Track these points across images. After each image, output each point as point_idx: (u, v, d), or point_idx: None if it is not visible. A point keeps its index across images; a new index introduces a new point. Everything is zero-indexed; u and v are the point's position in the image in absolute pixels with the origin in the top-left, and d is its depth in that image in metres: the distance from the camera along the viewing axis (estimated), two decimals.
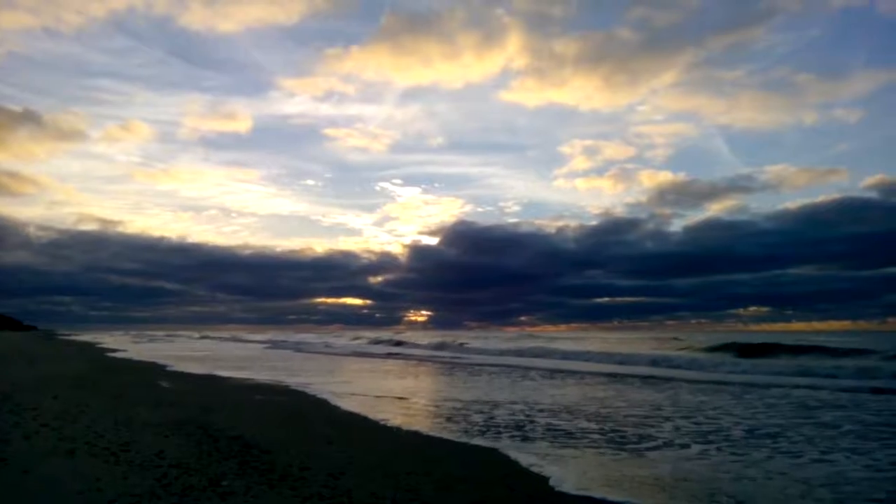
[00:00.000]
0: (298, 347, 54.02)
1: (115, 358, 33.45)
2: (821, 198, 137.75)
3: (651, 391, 17.27)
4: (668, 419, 11.80)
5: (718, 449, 8.99)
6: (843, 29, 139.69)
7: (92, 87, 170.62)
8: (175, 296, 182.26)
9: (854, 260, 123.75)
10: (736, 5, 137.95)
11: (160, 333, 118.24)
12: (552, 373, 24.75)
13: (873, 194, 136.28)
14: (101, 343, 59.77)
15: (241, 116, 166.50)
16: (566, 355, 36.83)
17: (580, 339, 62.31)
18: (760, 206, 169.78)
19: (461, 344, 52.14)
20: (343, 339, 76.81)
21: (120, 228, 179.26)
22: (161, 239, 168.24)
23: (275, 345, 59.60)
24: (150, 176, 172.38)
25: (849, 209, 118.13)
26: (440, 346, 51.43)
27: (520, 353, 41.24)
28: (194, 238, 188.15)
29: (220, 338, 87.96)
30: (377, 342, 66.11)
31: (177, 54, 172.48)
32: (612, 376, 22.84)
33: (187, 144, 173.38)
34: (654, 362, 29.78)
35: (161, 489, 6.03)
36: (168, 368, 25.22)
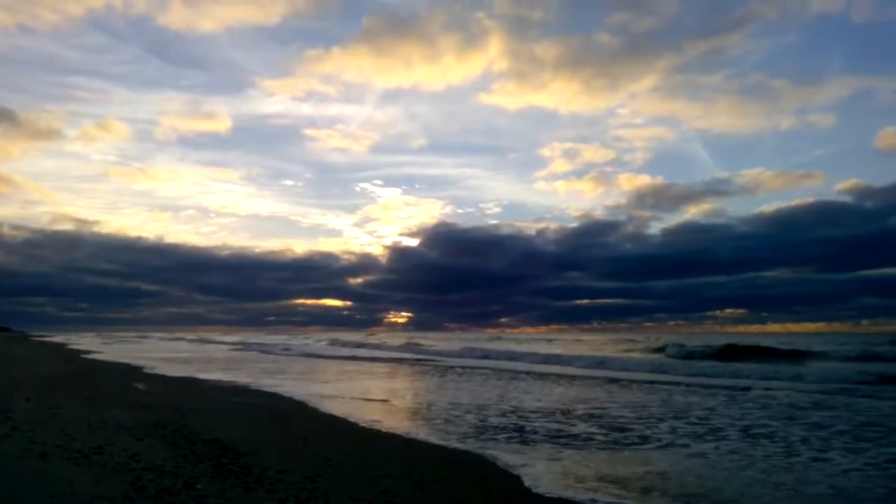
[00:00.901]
0: (264, 349, 53.71)
1: (89, 360, 32.97)
2: (796, 201, 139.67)
3: (571, 388, 17.41)
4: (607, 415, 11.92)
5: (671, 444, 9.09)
6: (818, 36, 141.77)
7: (68, 86, 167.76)
8: (152, 297, 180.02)
9: (828, 263, 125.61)
10: (713, 12, 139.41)
11: (132, 335, 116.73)
12: (498, 372, 24.94)
13: (847, 198, 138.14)
14: (75, 345, 58.88)
15: (220, 116, 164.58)
16: (513, 356, 37.48)
17: (546, 342, 63.96)
18: (737, 209, 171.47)
19: (417, 344, 53.85)
20: (310, 340, 78.88)
21: (96, 228, 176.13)
22: (138, 239, 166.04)
23: (246, 347, 58.95)
24: (126, 175, 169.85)
25: (823, 213, 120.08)
26: (403, 348, 52.51)
27: (474, 353, 41.81)
28: (172, 238, 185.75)
29: (187, 339, 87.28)
30: (335, 343, 68.32)
31: (155, 52, 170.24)
32: (561, 376, 23.37)
33: (165, 144, 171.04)
34: (600, 363, 30.33)
35: (134, 492, 5.95)
36: (144, 370, 24.91)
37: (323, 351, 49.92)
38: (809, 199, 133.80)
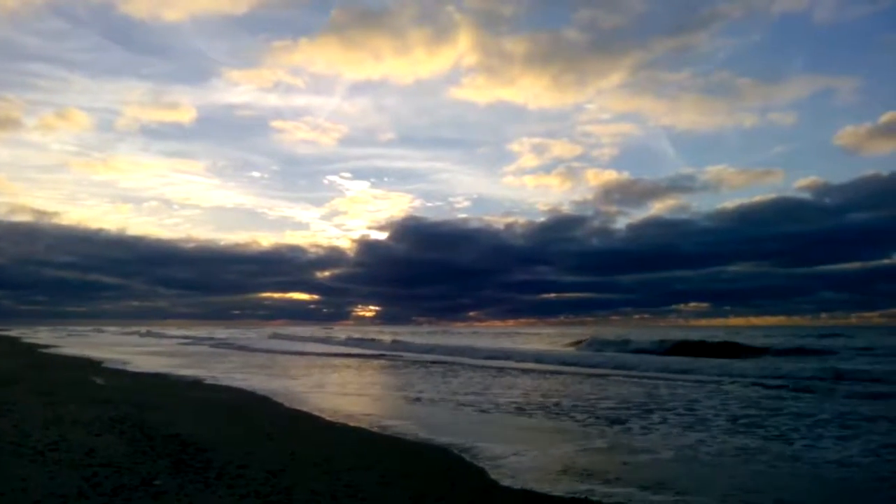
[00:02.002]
0: (215, 343, 53.70)
1: (46, 354, 32.17)
2: (757, 198, 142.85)
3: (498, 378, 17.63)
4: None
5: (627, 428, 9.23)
6: (781, 35, 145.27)
7: (26, 73, 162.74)
8: (113, 290, 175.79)
9: (789, 258, 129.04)
10: (680, 10, 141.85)
11: (87, 329, 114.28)
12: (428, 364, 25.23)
13: (806, 195, 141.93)
14: (32, 338, 57.41)
15: (185, 106, 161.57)
16: (452, 351, 37.68)
17: (498, 335, 66.24)
18: (700, 205, 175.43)
19: (372, 340, 53.97)
20: (255, 334, 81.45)
21: (55, 220, 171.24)
22: (99, 231, 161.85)
23: (196, 341, 58.23)
24: (87, 166, 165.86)
25: (784, 209, 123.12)
26: (348, 342, 53.36)
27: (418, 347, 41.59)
28: (134, 230, 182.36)
29: (139, 333, 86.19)
30: (276, 336, 70.31)
31: (116, 39, 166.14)
32: (500, 370, 23.76)
33: (127, 134, 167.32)
34: (539, 359, 30.54)
35: (90, 489, 5.81)
36: (103, 365, 24.40)
37: (258, 344, 49.71)
38: (770, 196, 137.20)
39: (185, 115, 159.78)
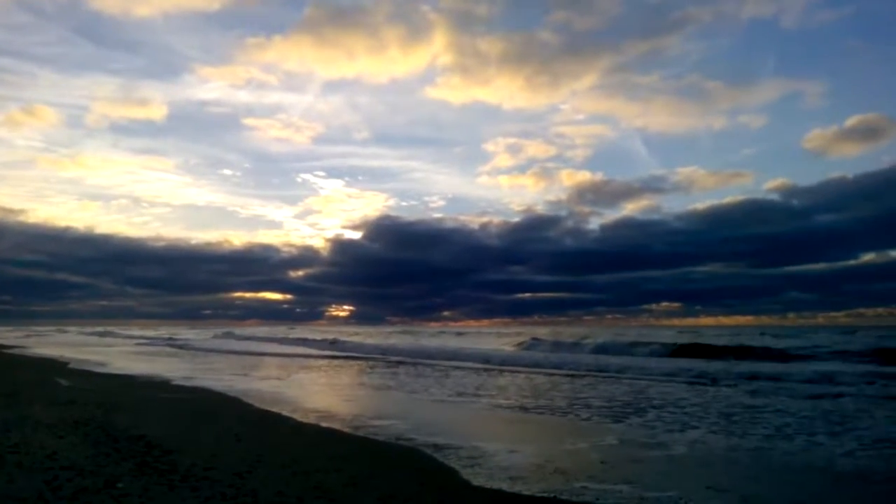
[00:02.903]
0: (164, 343, 54.07)
1: (9, 354, 31.47)
2: (727, 199, 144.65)
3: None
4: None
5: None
6: (750, 39, 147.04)
7: None
8: (81, 290, 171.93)
9: (758, 258, 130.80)
10: (651, 14, 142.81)
11: (49, 329, 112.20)
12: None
13: (775, 196, 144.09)
14: None
15: (155, 103, 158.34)
16: (386, 350, 38.29)
17: (458, 335, 67.43)
18: (672, 206, 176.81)
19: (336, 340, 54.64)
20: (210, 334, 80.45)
21: (21, 217, 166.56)
22: (66, 229, 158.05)
23: (152, 342, 57.73)
24: (54, 163, 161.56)
25: (753, 210, 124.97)
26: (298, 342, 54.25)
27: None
28: (102, 229, 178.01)
29: (96, 333, 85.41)
30: (226, 336, 71.61)
31: (84, 34, 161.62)
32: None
33: (96, 130, 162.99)
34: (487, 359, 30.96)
35: (49, 492, 5.68)
36: (69, 366, 23.94)
37: (203, 344, 50.00)
38: (740, 197, 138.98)
39: (156, 111, 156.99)
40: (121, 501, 5.50)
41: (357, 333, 79.51)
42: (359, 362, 29.31)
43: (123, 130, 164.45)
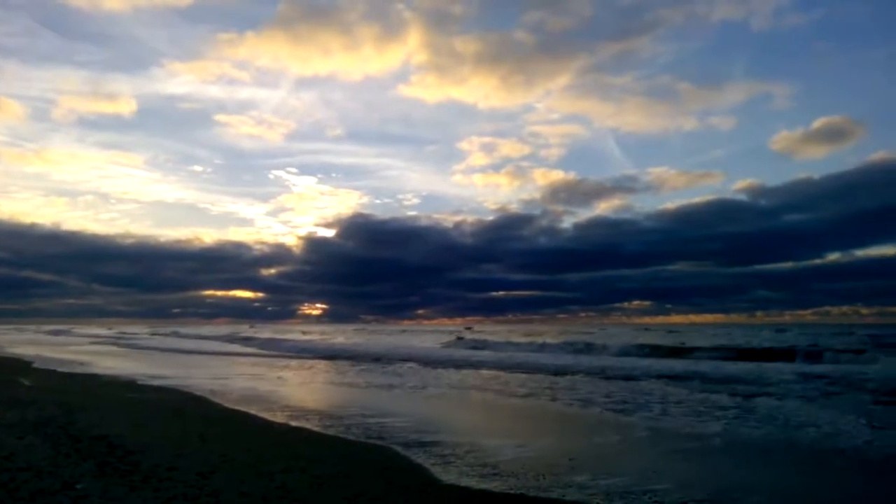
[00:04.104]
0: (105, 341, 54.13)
1: None
2: (697, 199, 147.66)
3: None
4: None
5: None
6: (720, 41, 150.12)
7: None
8: (47, 287, 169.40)
9: (727, 257, 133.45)
10: (624, 15, 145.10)
11: (7, 328, 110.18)
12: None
13: (743, 197, 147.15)
14: None
15: (124, 97, 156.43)
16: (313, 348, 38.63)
17: (406, 333, 67.89)
18: (643, 205, 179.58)
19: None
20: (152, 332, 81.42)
21: None
22: (32, 226, 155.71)
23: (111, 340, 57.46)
24: (19, 157, 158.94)
25: (722, 210, 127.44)
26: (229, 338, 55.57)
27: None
28: (69, 225, 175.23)
29: (52, 331, 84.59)
30: (172, 333, 73.67)
31: (50, 25, 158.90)
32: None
33: (62, 125, 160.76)
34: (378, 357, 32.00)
35: (6, 494, 5.55)
36: (33, 365, 23.44)
37: (145, 342, 50.19)
38: (710, 197, 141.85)
39: (125, 106, 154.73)
40: (79, 503, 5.40)
41: (309, 332, 79.66)
42: (271, 360, 29.62)
43: (91, 125, 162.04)
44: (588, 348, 34.25)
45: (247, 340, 51.98)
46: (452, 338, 47.65)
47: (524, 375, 20.66)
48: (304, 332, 77.94)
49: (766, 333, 53.82)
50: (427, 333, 71.51)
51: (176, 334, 74.43)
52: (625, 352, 32.04)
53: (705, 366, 22.61)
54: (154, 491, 5.84)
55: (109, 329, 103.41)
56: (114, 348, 41.04)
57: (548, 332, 61.91)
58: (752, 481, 6.95)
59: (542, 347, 36.28)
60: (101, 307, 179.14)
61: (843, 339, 39.24)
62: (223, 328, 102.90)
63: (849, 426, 10.41)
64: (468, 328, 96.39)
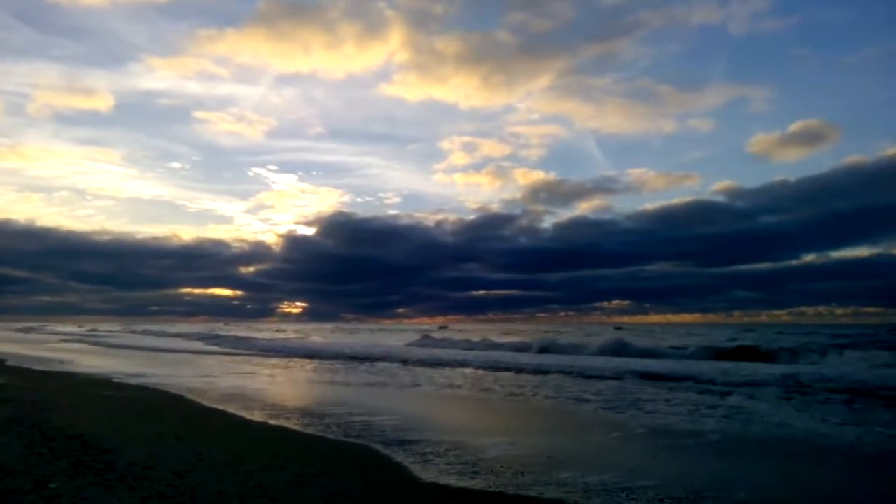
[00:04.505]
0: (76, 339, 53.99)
1: None
2: (676, 200, 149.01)
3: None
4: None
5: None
6: (699, 45, 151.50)
7: None
8: (21, 284, 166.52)
9: (705, 258, 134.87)
10: (605, 18, 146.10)
11: None
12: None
13: (721, 198, 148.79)
14: None
15: (101, 92, 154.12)
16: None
17: (375, 332, 68.41)
18: (623, 206, 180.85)
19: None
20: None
21: None
22: (6, 222, 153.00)
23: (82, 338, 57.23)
24: None
25: (700, 211, 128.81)
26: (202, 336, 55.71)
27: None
28: (44, 221, 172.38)
29: (21, 329, 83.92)
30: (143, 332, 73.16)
31: (25, 19, 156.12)
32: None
33: (37, 120, 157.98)
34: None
35: None
36: (6, 363, 23.04)
37: (118, 340, 50.25)
38: (688, 199, 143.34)
39: (102, 101, 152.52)
40: (52, 502, 5.31)
41: (284, 331, 79.65)
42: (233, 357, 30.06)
43: (67, 120, 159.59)
44: (553, 346, 34.23)
45: (215, 339, 51.80)
46: (419, 337, 47.87)
47: (483, 372, 21.20)
48: (277, 331, 77.84)
49: (730, 332, 54.42)
50: (403, 332, 71.51)
51: (147, 332, 74.01)
52: (580, 350, 32.16)
53: (670, 364, 22.75)
54: (129, 490, 5.76)
55: (80, 327, 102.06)
56: (82, 346, 40.60)
57: (525, 330, 62.20)
58: (731, 477, 7.03)
59: (496, 346, 36.65)
60: (77, 305, 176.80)
61: (812, 338, 39.69)
62: (200, 326, 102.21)
63: (808, 423, 10.60)
64: (443, 327, 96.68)
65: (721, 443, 9.15)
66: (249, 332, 69.13)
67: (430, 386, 16.91)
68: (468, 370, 22.56)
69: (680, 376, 18.63)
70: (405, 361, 26.54)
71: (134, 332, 75.42)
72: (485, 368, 23.06)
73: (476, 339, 43.36)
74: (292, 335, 63.38)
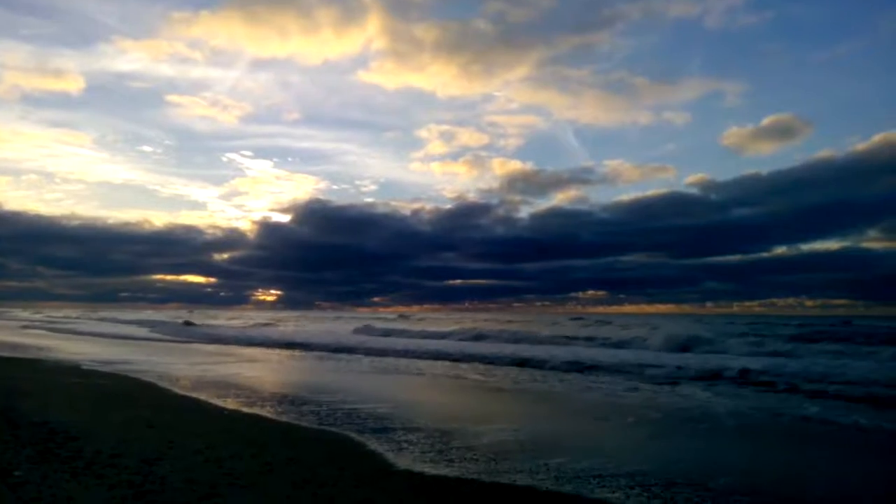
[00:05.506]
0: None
1: None
2: (650, 192, 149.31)
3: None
4: None
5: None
6: (676, 38, 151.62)
7: None
8: None
9: (679, 249, 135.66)
10: (583, 9, 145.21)
11: None
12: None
13: (695, 191, 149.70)
14: None
15: (72, 74, 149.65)
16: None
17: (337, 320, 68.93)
18: (599, 197, 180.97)
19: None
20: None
21: None
22: None
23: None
24: None
25: (674, 203, 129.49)
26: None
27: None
28: (12, 205, 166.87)
29: None
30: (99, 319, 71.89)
31: None
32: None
33: (4, 101, 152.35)
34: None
35: None
36: None
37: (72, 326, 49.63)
38: (663, 190, 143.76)
39: (72, 83, 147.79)
40: (17, 490, 5.21)
41: (239, 318, 79.04)
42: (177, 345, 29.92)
43: (36, 102, 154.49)
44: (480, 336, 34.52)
45: (158, 325, 51.72)
46: (362, 325, 48.90)
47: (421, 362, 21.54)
48: (230, 318, 77.10)
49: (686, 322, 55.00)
50: (368, 320, 71.69)
51: (104, 319, 72.83)
52: (516, 339, 32.37)
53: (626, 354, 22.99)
54: (97, 478, 5.68)
55: (38, 313, 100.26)
56: (39, 332, 39.88)
57: (499, 320, 62.46)
58: (695, 459, 7.14)
59: (448, 335, 36.54)
60: (45, 290, 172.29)
61: (753, 328, 39.83)
62: (164, 314, 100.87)
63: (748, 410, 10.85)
64: (404, 316, 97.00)
65: (686, 427, 9.29)
66: (208, 320, 68.81)
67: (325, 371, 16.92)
68: (390, 359, 22.99)
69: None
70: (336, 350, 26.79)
71: (90, 318, 74.10)
72: (416, 357, 23.51)
73: (417, 328, 44.95)
74: (245, 323, 62.58)
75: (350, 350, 26.57)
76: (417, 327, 47.26)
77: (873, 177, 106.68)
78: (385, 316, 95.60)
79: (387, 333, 39.78)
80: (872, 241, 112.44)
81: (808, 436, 9.38)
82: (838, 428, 9.73)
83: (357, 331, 43.49)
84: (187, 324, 52.63)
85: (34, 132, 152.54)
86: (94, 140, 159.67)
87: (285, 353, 25.91)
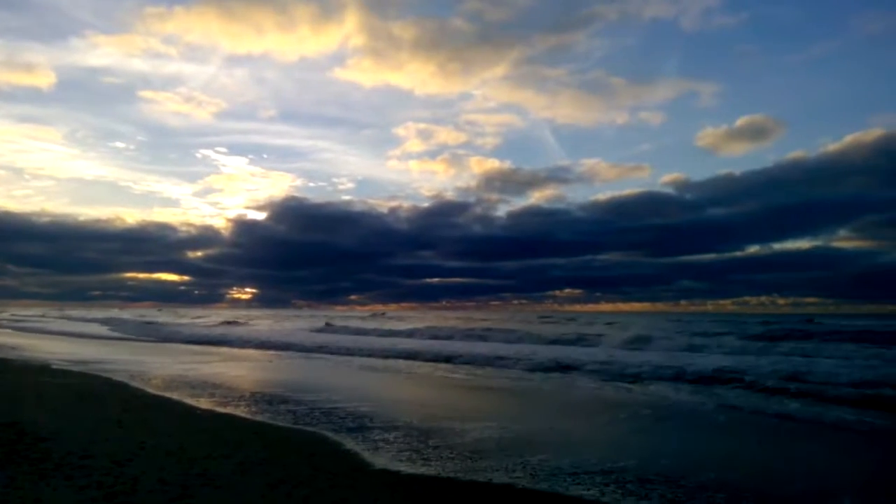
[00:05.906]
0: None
1: None
2: (627, 191, 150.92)
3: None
4: None
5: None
6: (652, 39, 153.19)
7: None
8: None
9: (653, 248, 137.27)
10: (560, 9, 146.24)
11: None
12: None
13: (670, 190, 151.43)
14: None
15: (42, 68, 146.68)
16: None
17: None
18: (576, 196, 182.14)
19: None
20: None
21: None
22: None
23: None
24: None
25: (650, 202, 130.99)
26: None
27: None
28: None
29: None
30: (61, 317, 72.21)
31: None
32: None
33: None
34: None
35: None
36: None
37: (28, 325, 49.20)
38: (638, 190, 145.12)
39: (43, 77, 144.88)
40: None
41: (206, 316, 78.20)
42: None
43: (5, 96, 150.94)
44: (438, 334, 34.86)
45: (120, 324, 51.67)
46: (322, 323, 49.33)
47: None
48: (197, 318, 76.09)
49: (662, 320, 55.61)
50: (341, 319, 71.39)
51: (68, 318, 71.59)
52: (468, 336, 32.84)
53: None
54: (66, 479, 5.58)
55: (1, 312, 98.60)
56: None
57: (476, 318, 62.85)
58: (673, 451, 7.22)
59: (412, 333, 36.79)
60: (14, 289, 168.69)
61: (739, 326, 40.37)
62: (129, 313, 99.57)
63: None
64: (381, 314, 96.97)
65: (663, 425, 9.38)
66: (175, 319, 68.19)
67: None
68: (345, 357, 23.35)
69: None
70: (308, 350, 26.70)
71: (53, 317, 72.84)
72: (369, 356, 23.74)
73: (371, 326, 45.88)
74: (209, 321, 61.99)
75: (307, 350, 26.54)
76: (387, 326, 47.57)
77: (844, 177, 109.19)
78: (359, 315, 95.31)
79: (349, 332, 39.69)
80: (843, 240, 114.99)
81: (777, 432, 9.54)
82: (806, 425, 9.95)
83: (318, 329, 43.41)
84: (149, 324, 51.94)
85: (3, 127, 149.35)
86: (64, 136, 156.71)
87: (234, 352, 25.74)
